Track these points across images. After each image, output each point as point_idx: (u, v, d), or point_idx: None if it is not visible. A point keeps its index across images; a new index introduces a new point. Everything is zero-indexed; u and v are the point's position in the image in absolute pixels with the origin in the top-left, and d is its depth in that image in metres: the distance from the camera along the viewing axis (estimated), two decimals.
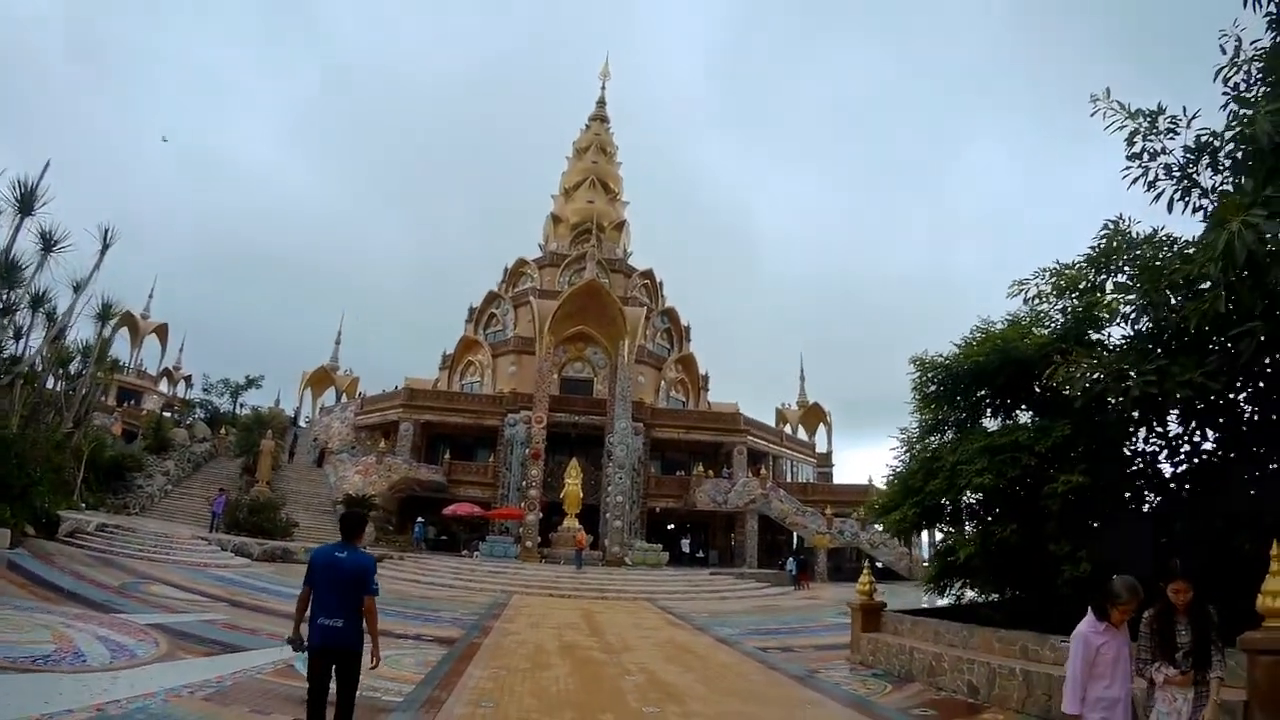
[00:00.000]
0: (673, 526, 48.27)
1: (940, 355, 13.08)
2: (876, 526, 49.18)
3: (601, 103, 67.33)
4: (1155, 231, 10.86)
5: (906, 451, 13.84)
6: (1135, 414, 10.09)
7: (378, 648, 6.04)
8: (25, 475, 22.37)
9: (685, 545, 46.27)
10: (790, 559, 39.40)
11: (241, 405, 53.09)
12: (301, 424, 61.18)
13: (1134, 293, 9.83)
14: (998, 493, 11.06)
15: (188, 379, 68.66)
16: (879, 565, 44.39)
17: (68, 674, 8.52)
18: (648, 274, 59.84)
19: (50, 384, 28.29)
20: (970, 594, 13.88)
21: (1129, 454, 11.13)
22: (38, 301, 24.03)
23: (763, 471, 47.25)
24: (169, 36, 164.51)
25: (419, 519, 39.57)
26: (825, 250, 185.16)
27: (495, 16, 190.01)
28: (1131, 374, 8.99)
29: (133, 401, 59.97)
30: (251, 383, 53.95)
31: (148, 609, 13.91)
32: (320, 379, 66.99)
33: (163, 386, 68.50)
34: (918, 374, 13.42)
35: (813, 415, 69.17)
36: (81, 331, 29.01)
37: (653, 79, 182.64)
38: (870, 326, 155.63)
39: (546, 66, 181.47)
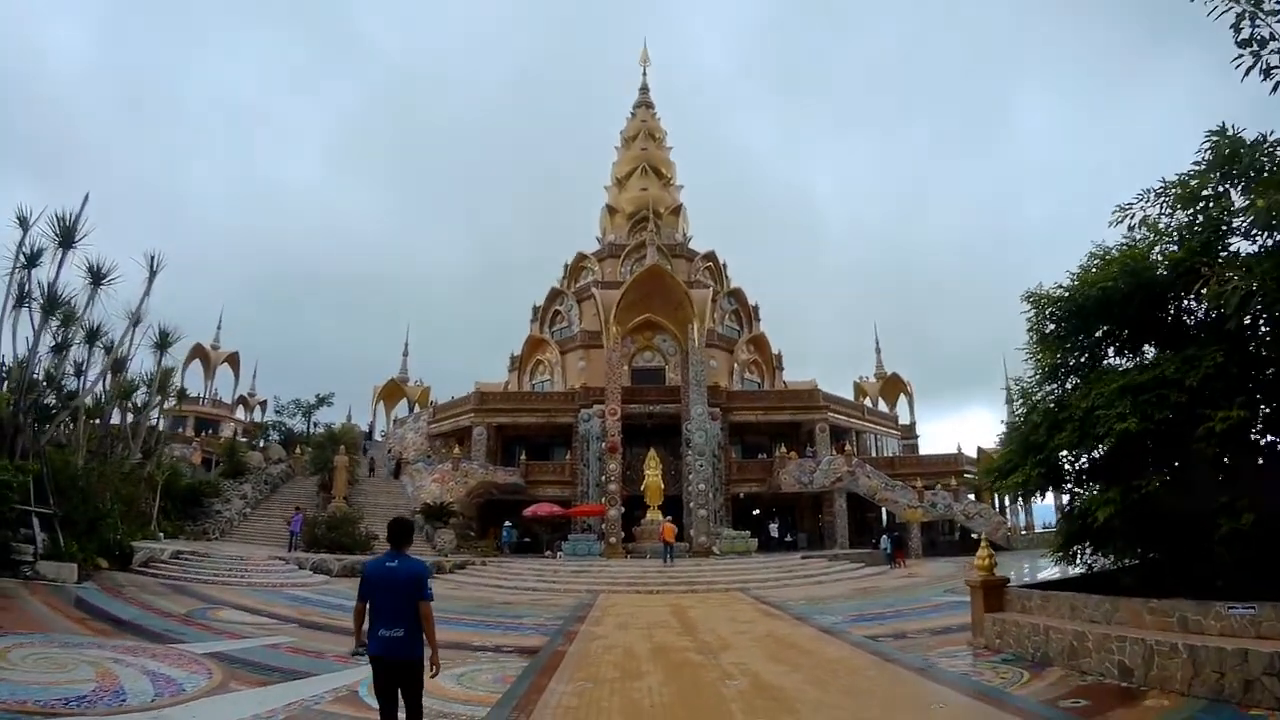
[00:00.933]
0: (758, 511, 46.81)
1: (1059, 286, 11.44)
2: (970, 496, 47.45)
3: (644, 89, 66.34)
4: (1264, 136, 9.28)
5: (1023, 404, 12.26)
6: None
7: (436, 655, 6.01)
8: (93, 508, 22.28)
9: (773, 530, 44.70)
10: (884, 536, 37.61)
11: (315, 424, 53.28)
12: (376, 438, 61.48)
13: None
14: (1139, 440, 9.50)
15: (262, 404, 69.55)
16: (974, 536, 42.52)
17: (98, 717, 7.67)
18: (710, 256, 58.37)
19: (116, 418, 28.37)
20: (1103, 561, 12.29)
21: None
22: (93, 335, 23.87)
23: (847, 448, 45.55)
24: (207, 67, 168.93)
25: (506, 523, 39.03)
26: (884, 223, 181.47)
27: (526, 15, 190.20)
28: None
29: (210, 431, 61.13)
30: (322, 401, 54.10)
31: (210, 636, 13.20)
32: (392, 392, 67.18)
33: (239, 414, 69.67)
34: (1033, 312, 11.76)
35: (892, 386, 67.02)
36: (144, 363, 29.04)
37: (693, 61, 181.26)
38: (938, 295, 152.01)
39: (583, 61, 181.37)
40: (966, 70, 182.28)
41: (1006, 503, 53.29)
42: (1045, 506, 55.97)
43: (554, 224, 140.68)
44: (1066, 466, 11.82)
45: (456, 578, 28.74)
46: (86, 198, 22.33)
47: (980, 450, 54.78)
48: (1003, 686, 9.21)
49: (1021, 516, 53.38)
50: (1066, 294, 11.11)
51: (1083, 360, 11.61)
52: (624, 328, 42.21)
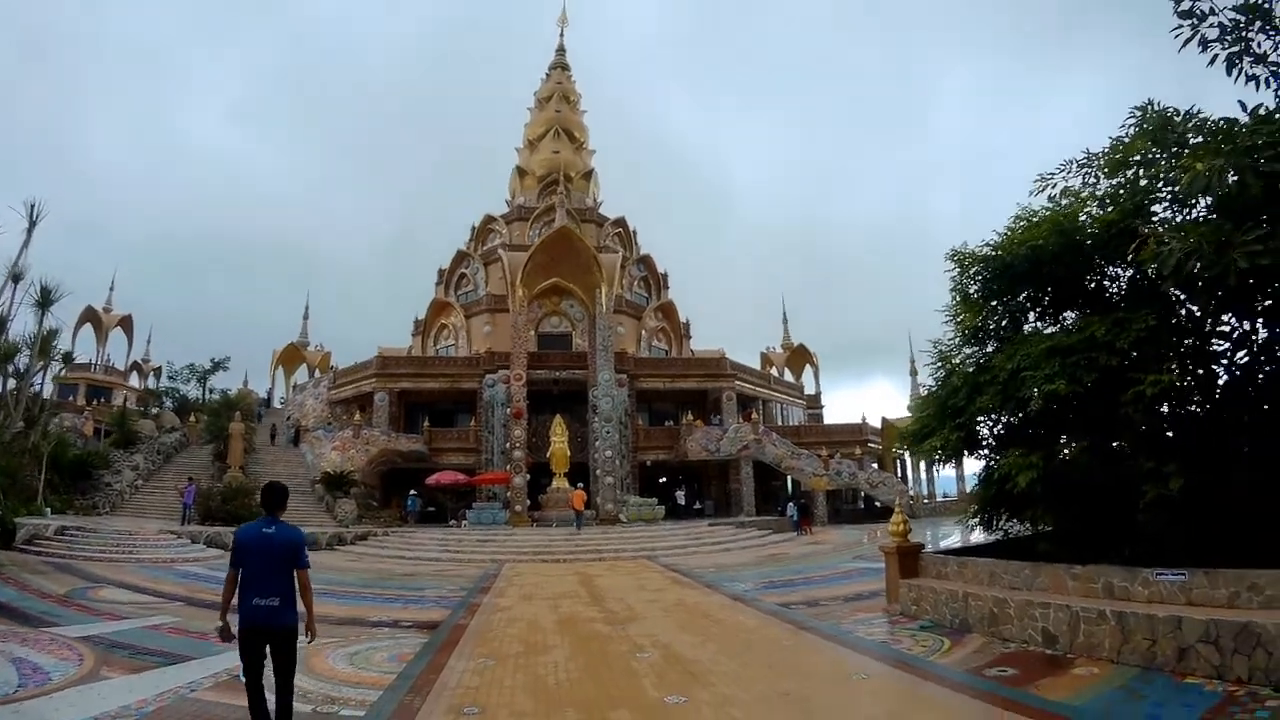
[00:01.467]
0: (664, 480, 46.73)
1: (986, 244, 11.14)
2: (874, 465, 48.33)
3: (561, 50, 64.91)
4: (1195, 108, 9.20)
5: (941, 367, 12.02)
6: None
7: (312, 622, 5.87)
8: None
9: (680, 497, 44.76)
10: (790, 504, 37.91)
11: (210, 390, 50.65)
12: (276, 404, 59.16)
13: (1219, 156, 7.95)
14: (1064, 404, 9.32)
15: (157, 371, 65.50)
16: (878, 504, 43.41)
17: None
18: (620, 222, 57.70)
19: None
20: (1017, 528, 12.22)
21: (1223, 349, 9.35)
22: None
23: (754, 416, 45.69)
24: (109, 16, 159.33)
25: (411, 492, 37.88)
26: (797, 197, 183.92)
27: None
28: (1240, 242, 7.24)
29: (103, 399, 57.44)
30: (218, 365, 51.58)
31: (88, 618, 12.02)
32: (291, 357, 64.51)
33: (133, 381, 65.57)
34: (957, 271, 11.49)
35: (799, 357, 67.84)
36: (28, 325, 26.77)
37: (610, 25, 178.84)
38: (846, 270, 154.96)
39: (499, 21, 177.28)
40: (886, 53, 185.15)
41: (909, 472, 54.67)
42: (946, 477, 57.79)
43: (468, 190, 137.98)
44: (985, 431, 11.67)
45: (357, 549, 27.71)
46: None
47: (884, 420, 55.98)
48: (924, 655, 8.95)
49: (924, 485, 54.72)
50: (994, 252, 10.85)
51: (1004, 324, 11.40)
52: (531, 291, 41.22)
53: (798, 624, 11.43)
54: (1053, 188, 10.81)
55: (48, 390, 30.45)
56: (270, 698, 5.59)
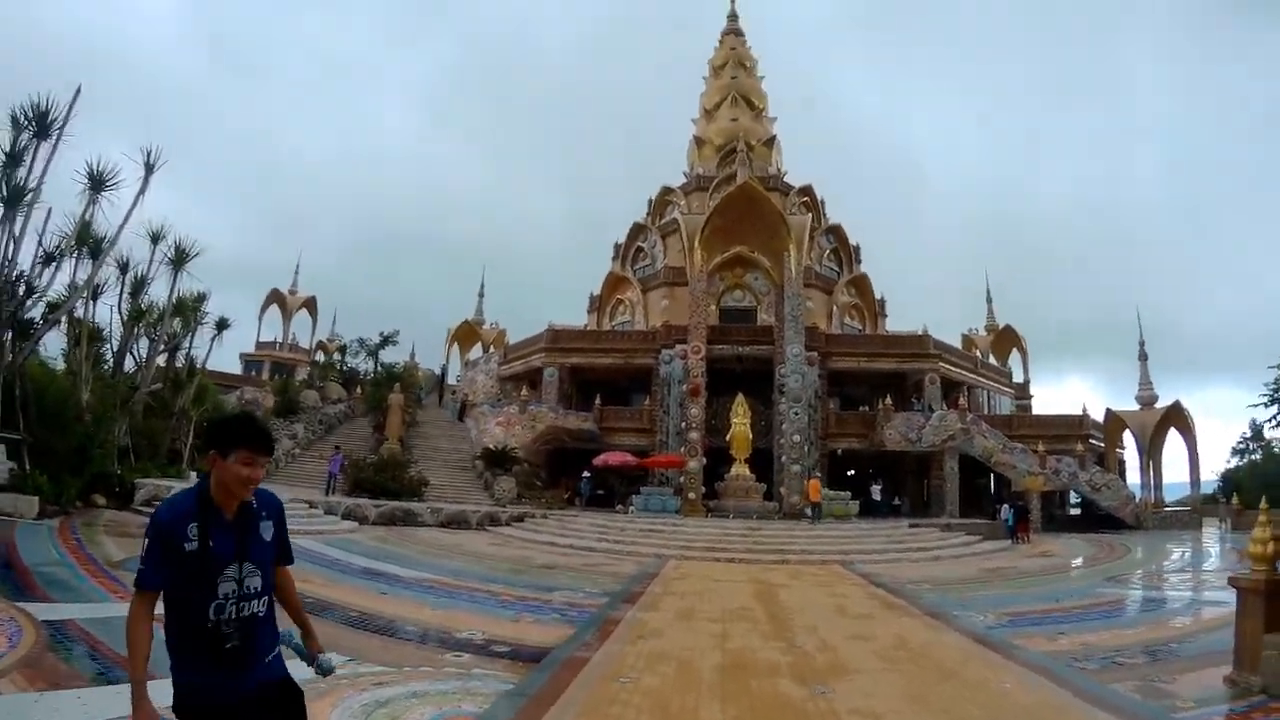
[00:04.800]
0: (853, 472, 41.97)
1: None
2: (1096, 465, 41.59)
3: (733, 16, 60.60)
4: None
5: None
6: None
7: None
8: (81, 436, 19.21)
9: (876, 492, 39.90)
10: (1005, 506, 32.32)
11: (380, 365, 50.12)
12: (451, 381, 58.54)
13: None
14: None
15: (342, 349, 67.34)
16: (1101, 510, 37.16)
17: None
18: (806, 190, 52.54)
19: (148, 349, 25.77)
20: None
21: None
22: (85, 242, 20.61)
23: (961, 403, 40.05)
24: (302, 32, 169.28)
25: (585, 474, 35.42)
26: (993, 170, 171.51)
27: None
28: None
29: (286, 375, 59.09)
30: (388, 340, 50.88)
31: (103, 595, 9.41)
32: (467, 334, 63.81)
33: (319, 359, 67.58)
34: None
35: (1004, 341, 60.81)
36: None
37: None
38: (1045, 249, 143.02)
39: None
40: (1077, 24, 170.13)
41: (1127, 473, 47.44)
42: (1176, 482, 50.01)
43: (647, 165, 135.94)
44: None
45: (509, 531, 25.09)
46: (78, 91, 18.84)
47: (1109, 412, 48.79)
48: None
49: (1149, 491, 47.39)
50: None
51: None
52: (711, 257, 37.44)
53: (1099, 700, 7.09)
54: None
55: (204, 355, 29.53)
56: None
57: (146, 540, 2.78)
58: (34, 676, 5.93)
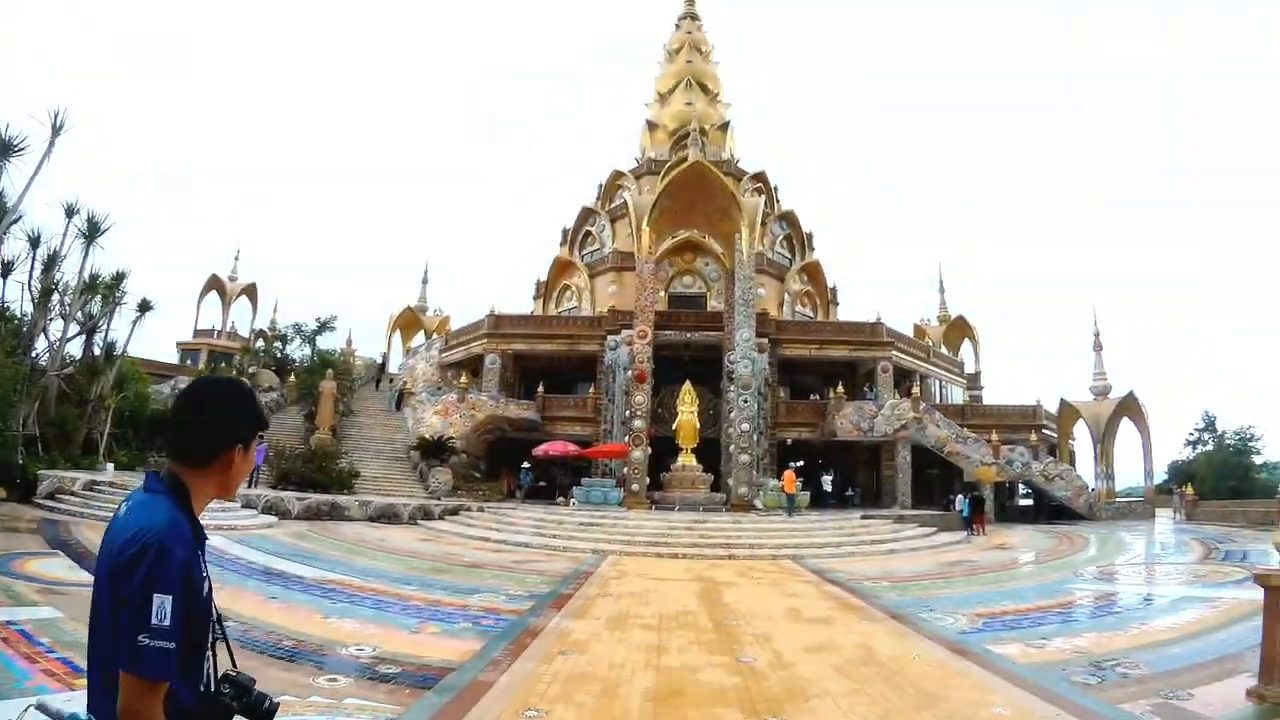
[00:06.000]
0: (801, 463, 40.85)
1: None
2: (1049, 455, 41.11)
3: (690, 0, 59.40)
4: None
5: None
6: None
7: None
8: None
9: (827, 483, 38.91)
10: (960, 496, 31.45)
11: (316, 352, 47.89)
12: (392, 369, 56.54)
13: None
14: None
15: (282, 338, 64.79)
16: (1051, 500, 36.69)
17: None
18: (759, 176, 51.46)
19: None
20: None
21: None
22: None
23: (914, 391, 39.20)
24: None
25: (524, 464, 33.79)
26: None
27: None
28: None
29: (224, 364, 56.54)
30: (324, 325, 48.55)
31: None
32: (409, 321, 61.52)
33: (259, 347, 64.92)
34: None
35: (956, 331, 60.34)
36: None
37: None
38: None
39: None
40: None
41: (1077, 463, 47.06)
42: (1128, 471, 49.79)
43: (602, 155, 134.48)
44: None
45: (441, 525, 23.48)
46: None
47: (1064, 402, 48.36)
48: None
49: (1102, 482, 47.01)
50: None
51: None
52: (661, 241, 36.04)
53: None
54: None
55: (124, 339, 27.33)
56: None
57: (158, 596, 1.73)
58: None
